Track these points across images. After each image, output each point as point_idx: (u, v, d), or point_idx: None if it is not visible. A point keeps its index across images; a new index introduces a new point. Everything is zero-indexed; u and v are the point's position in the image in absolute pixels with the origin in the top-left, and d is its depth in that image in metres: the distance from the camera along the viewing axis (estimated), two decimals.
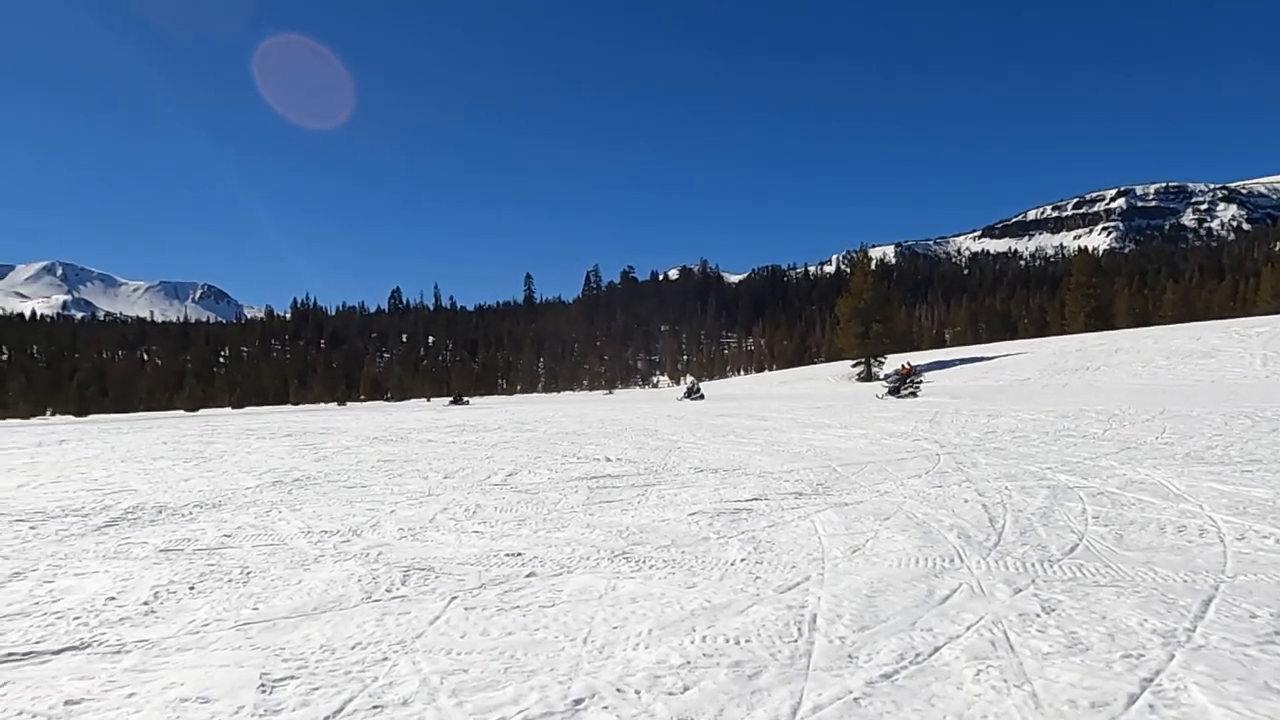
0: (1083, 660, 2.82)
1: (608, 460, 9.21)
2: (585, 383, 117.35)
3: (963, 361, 47.11)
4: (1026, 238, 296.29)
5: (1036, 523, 5.05)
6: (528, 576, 4.12)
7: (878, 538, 4.77)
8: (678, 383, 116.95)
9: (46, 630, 3.45)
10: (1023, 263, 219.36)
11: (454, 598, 3.78)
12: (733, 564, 4.26)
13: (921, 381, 38.91)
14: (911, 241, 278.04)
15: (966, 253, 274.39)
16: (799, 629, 3.22)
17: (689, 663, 2.90)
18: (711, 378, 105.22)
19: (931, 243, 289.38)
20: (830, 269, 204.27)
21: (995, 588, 3.69)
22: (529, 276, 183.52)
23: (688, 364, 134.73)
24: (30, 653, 3.18)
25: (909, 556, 4.30)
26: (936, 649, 2.97)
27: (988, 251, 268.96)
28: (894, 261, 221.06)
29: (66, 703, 2.70)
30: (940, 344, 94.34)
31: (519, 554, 4.61)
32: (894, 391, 33.25)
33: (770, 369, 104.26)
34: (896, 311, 55.92)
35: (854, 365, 51.56)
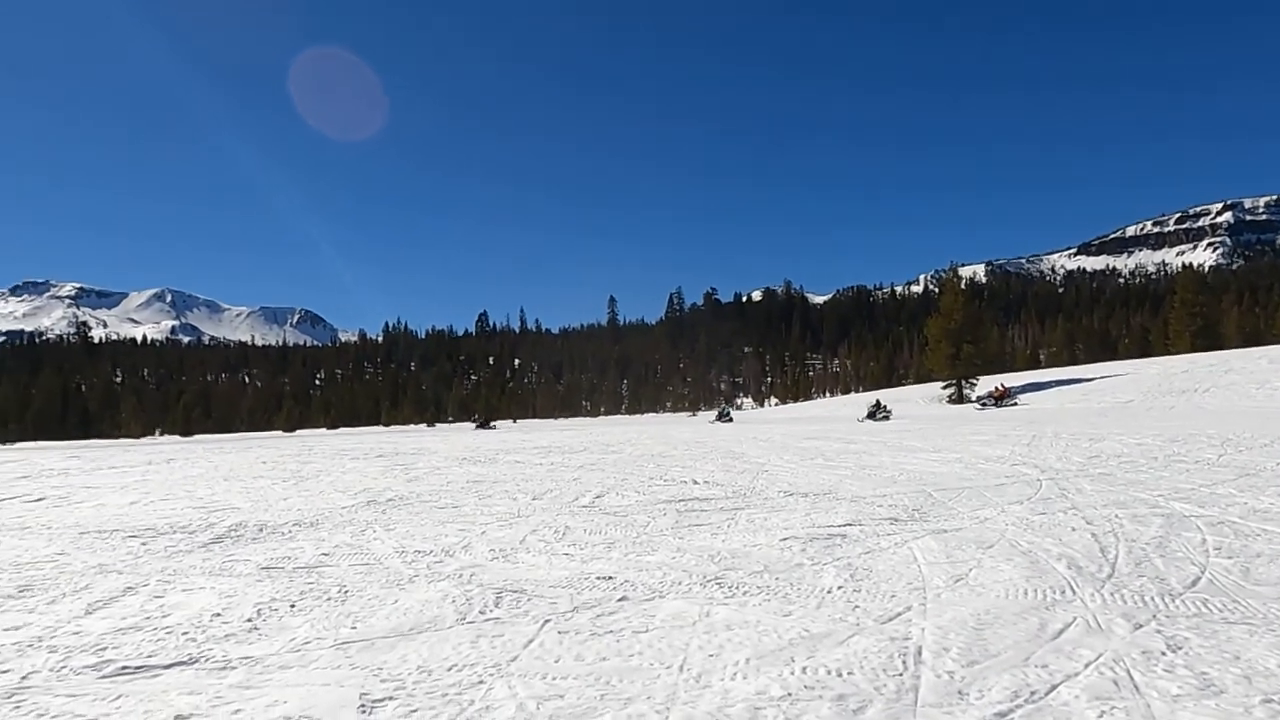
0: (1218, 704, 2.63)
1: (695, 483, 9.13)
2: (669, 405, 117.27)
3: (1060, 383, 45.51)
4: (1125, 255, 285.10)
5: (1152, 553, 4.77)
6: (620, 601, 4.08)
7: (981, 567, 4.58)
8: (761, 404, 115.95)
9: (157, 645, 3.55)
10: (1122, 280, 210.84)
11: (547, 621, 3.76)
12: (829, 592, 4.14)
13: (1012, 399, 37.78)
14: (1003, 260, 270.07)
15: (1061, 271, 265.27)
16: (903, 662, 3.09)
17: (790, 695, 2.81)
18: (796, 400, 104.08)
19: (1024, 261, 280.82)
20: (918, 289, 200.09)
21: (1113, 622, 3.49)
22: (613, 299, 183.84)
23: (771, 386, 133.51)
24: (142, 666, 3.28)
25: (1016, 587, 4.11)
26: (1054, 687, 2.81)
27: (1084, 269, 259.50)
28: (985, 280, 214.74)
29: (176, 717, 2.76)
30: (1035, 365, 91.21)
31: (610, 577, 4.58)
32: (871, 416, 33.99)
33: (857, 390, 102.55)
34: (989, 332, 54.50)
35: (945, 387, 50.35)
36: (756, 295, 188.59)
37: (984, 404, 38.99)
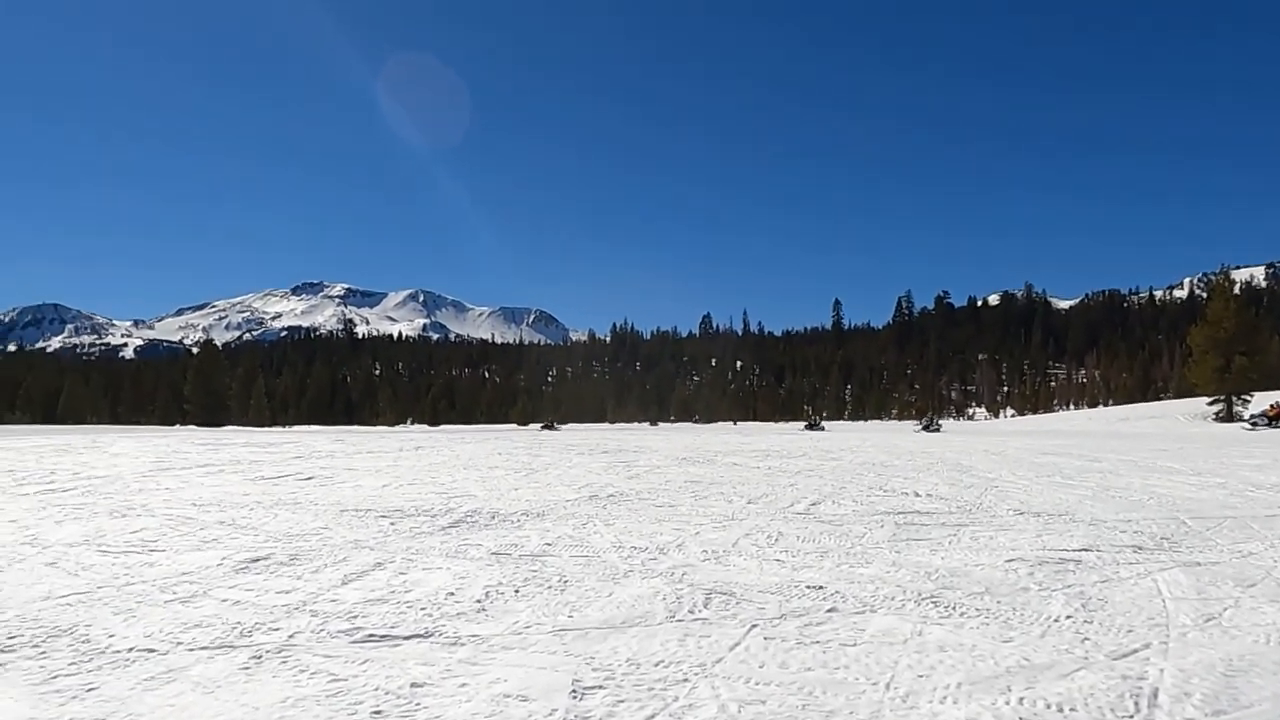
0: None
1: (916, 495, 8.80)
2: (894, 412, 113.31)
3: None
4: None
5: None
6: (828, 611, 4.04)
7: (1239, 607, 4.12)
8: (995, 415, 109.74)
9: (399, 617, 3.92)
10: None
11: (754, 625, 3.79)
12: (1056, 620, 3.89)
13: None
14: None
15: None
16: (1135, 703, 2.85)
17: None
18: (1035, 411, 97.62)
19: None
20: (1181, 293, 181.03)
21: None
22: (837, 302, 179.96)
23: (1008, 395, 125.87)
24: (386, 636, 3.63)
25: None
26: None
27: None
28: (1264, 285, 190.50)
29: (412, 685, 3.04)
30: None
31: (820, 587, 4.54)
32: (926, 428, 36.02)
33: (1105, 404, 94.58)
34: (1267, 343, 48.48)
35: (1210, 403, 45.38)
36: (993, 299, 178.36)
37: (1256, 424, 34.86)
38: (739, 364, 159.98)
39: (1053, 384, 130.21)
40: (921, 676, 3.13)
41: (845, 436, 26.61)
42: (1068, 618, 3.93)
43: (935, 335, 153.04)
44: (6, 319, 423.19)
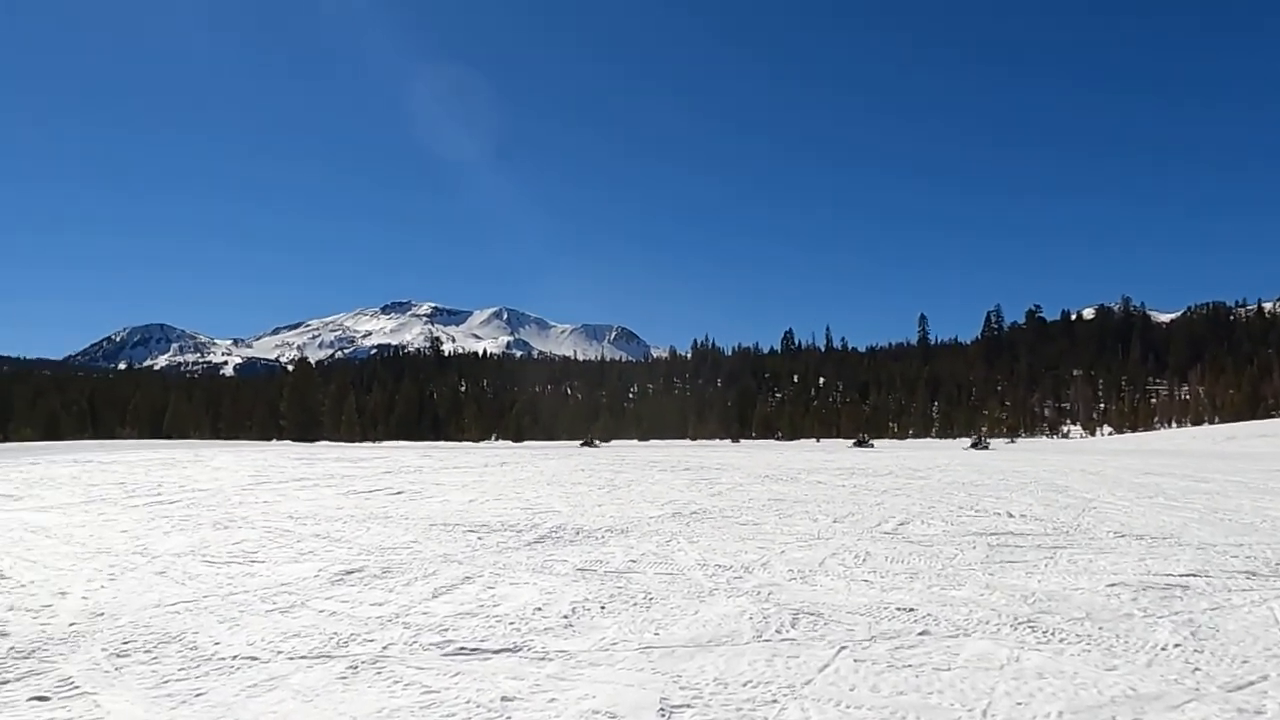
0: None
1: (1009, 516, 8.53)
2: (984, 429, 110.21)
3: None
4: None
5: None
6: (920, 634, 3.95)
7: None
8: (1092, 433, 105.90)
9: (489, 631, 3.99)
10: None
11: (843, 647, 3.73)
12: (1163, 649, 3.72)
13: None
14: None
15: None
16: None
17: None
18: (1135, 429, 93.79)
19: None
20: None
21: None
22: (923, 317, 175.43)
23: (1105, 413, 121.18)
24: (476, 649, 3.70)
25: None
26: None
27: None
28: None
29: (503, 698, 3.09)
30: None
31: (911, 609, 4.44)
32: (974, 445, 35.50)
33: (1211, 422, 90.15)
34: None
35: None
36: (1088, 313, 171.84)
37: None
38: (821, 380, 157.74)
39: (1153, 401, 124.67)
40: (1020, 704, 3.03)
41: (925, 455, 25.99)
42: (1176, 646, 3.76)
43: (1026, 350, 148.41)
44: (118, 338, 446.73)
